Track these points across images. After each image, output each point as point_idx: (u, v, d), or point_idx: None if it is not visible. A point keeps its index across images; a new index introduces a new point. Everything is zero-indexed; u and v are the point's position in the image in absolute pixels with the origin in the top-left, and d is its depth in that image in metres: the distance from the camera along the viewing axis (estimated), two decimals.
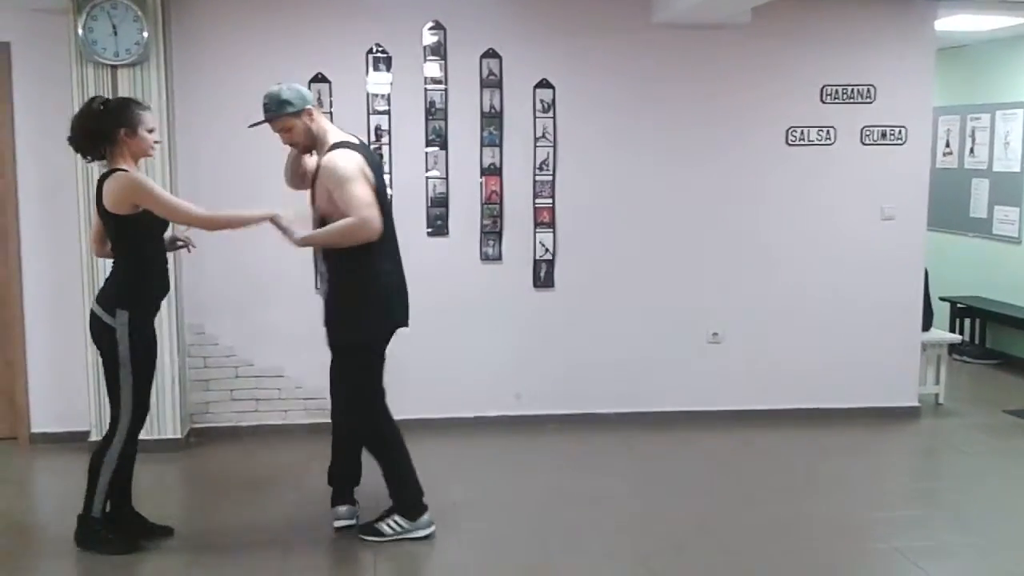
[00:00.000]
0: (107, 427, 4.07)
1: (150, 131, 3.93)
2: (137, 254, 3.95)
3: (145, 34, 5.04)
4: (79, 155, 3.96)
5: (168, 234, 4.14)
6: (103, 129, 3.84)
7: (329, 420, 4.44)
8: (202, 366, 5.58)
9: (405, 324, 4.24)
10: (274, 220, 3.93)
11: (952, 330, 7.55)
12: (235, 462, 5.24)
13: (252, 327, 5.59)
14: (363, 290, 4.04)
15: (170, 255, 4.21)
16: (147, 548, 4.09)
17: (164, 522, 4.29)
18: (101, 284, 4.18)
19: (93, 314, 3.97)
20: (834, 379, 6.00)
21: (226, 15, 5.40)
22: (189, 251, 4.28)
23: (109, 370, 3.96)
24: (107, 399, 4.06)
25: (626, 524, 4.41)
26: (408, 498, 4.21)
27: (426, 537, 4.18)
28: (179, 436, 5.38)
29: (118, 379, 3.95)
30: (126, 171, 3.86)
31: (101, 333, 3.93)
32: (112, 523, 4.08)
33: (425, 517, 4.21)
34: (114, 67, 5.09)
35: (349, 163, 3.91)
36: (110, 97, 3.99)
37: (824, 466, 5.24)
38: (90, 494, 4.02)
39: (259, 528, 4.34)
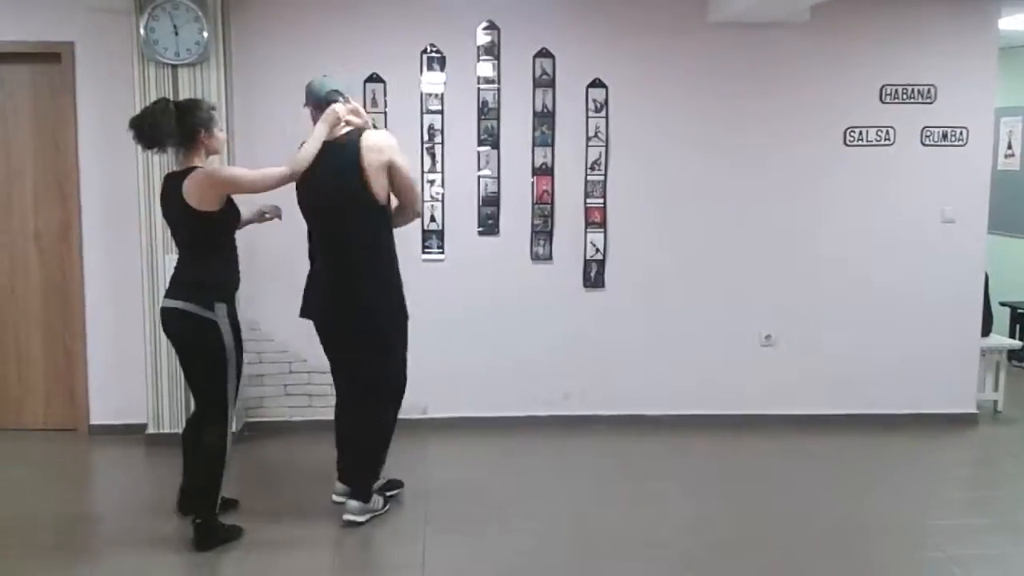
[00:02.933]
0: (204, 424, 4.14)
1: (221, 130, 4.14)
2: (223, 248, 4.09)
3: (205, 34, 5.12)
4: (143, 146, 4.03)
5: (253, 210, 4.31)
6: (187, 128, 3.96)
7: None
8: (257, 361, 5.66)
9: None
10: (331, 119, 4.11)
11: (1012, 336, 7.38)
12: (288, 456, 5.31)
13: (305, 324, 5.62)
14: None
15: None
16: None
17: (222, 514, 4.36)
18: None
19: (183, 312, 4.00)
20: (890, 384, 5.91)
21: (283, 15, 5.47)
22: (280, 219, 4.42)
23: (211, 365, 4.04)
24: (190, 394, 4.25)
25: (675, 527, 4.38)
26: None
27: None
28: (234, 430, 5.44)
29: (224, 373, 4.05)
30: (201, 167, 3.99)
31: (198, 330, 4.00)
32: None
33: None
34: (175, 67, 5.18)
35: None
36: (176, 99, 4.12)
37: (879, 472, 5.16)
38: (212, 498, 4.11)
39: (311, 521, 4.39)
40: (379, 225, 4.22)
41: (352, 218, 4.16)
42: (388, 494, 4.54)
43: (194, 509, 4.14)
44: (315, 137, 4.12)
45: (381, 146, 4.14)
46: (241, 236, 4.20)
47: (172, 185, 4.00)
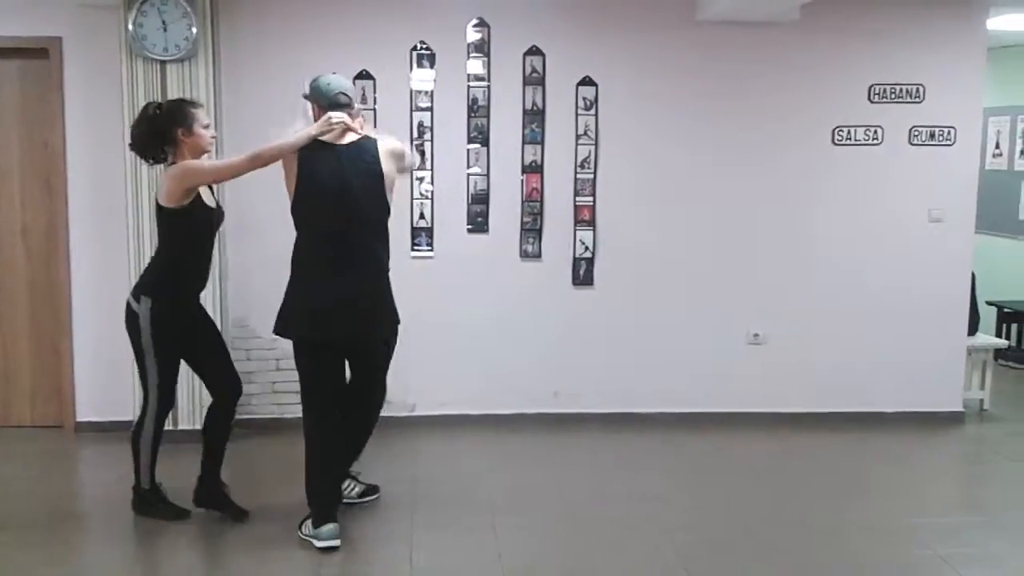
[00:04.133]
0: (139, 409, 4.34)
1: (205, 127, 4.10)
2: (174, 246, 4.12)
3: (194, 30, 5.10)
4: (143, 160, 4.16)
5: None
6: (161, 131, 4.02)
7: None
8: (245, 359, 5.64)
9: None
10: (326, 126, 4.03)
11: (999, 335, 7.42)
12: (276, 453, 5.29)
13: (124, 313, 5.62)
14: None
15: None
16: (192, 515, 4.34)
17: (201, 509, 4.36)
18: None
19: (126, 302, 4.22)
20: (877, 382, 5.93)
21: (273, 12, 5.46)
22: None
23: (135, 353, 4.23)
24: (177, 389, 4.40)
25: (665, 525, 4.38)
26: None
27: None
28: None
29: (142, 363, 4.20)
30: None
31: (127, 317, 4.19)
32: (159, 493, 4.36)
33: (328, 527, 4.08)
34: (163, 62, 5.16)
35: None
36: (162, 101, 4.15)
37: (866, 470, 5.18)
38: (136, 471, 4.34)
39: (299, 518, 4.38)
40: (388, 236, 4.19)
41: (379, 229, 4.10)
42: (365, 499, 4.56)
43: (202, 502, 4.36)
44: (301, 135, 4.03)
45: (399, 153, 4.17)
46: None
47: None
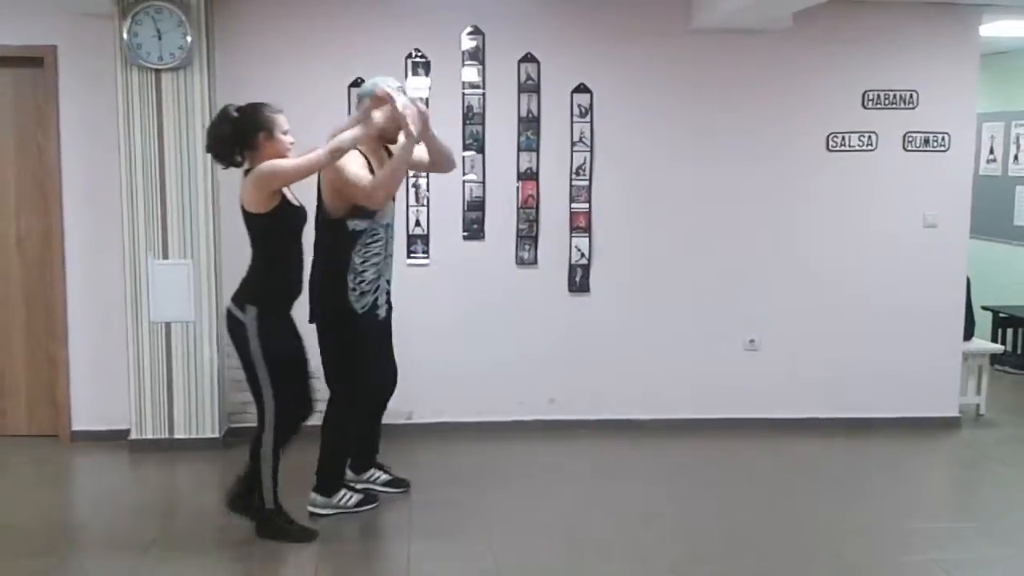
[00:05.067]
0: (256, 421, 4.18)
1: (284, 133, 4.03)
2: (272, 253, 4.06)
3: (189, 38, 5.11)
4: (219, 163, 4.07)
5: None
6: (243, 134, 3.95)
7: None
8: (240, 367, 5.62)
9: None
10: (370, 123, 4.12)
11: (994, 340, 7.43)
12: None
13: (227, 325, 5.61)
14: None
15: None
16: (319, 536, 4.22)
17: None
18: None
19: (228, 310, 4.09)
20: (873, 388, 5.94)
21: (268, 20, 5.46)
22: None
23: (244, 366, 4.09)
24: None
25: (659, 531, 4.39)
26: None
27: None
28: (217, 435, 5.45)
29: (254, 375, 4.06)
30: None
31: (232, 329, 4.07)
32: (284, 514, 4.20)
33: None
34: (158, 71, 5.17)
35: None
36: (240, 104, 4.05)
37: (861, 476, 5.18)
38: (259, 489, 4.15)
39: (299, 521, 4.37)
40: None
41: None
42: (387, 490, 4.68)
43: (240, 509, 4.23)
44: (372, 125, 4.14)
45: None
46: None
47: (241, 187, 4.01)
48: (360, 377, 4.41)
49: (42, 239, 5.53)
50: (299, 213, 4.12)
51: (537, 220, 5.72)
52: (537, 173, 5.70)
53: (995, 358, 6.90)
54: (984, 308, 7.51)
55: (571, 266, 5.78)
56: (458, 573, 4.02)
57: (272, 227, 4.01)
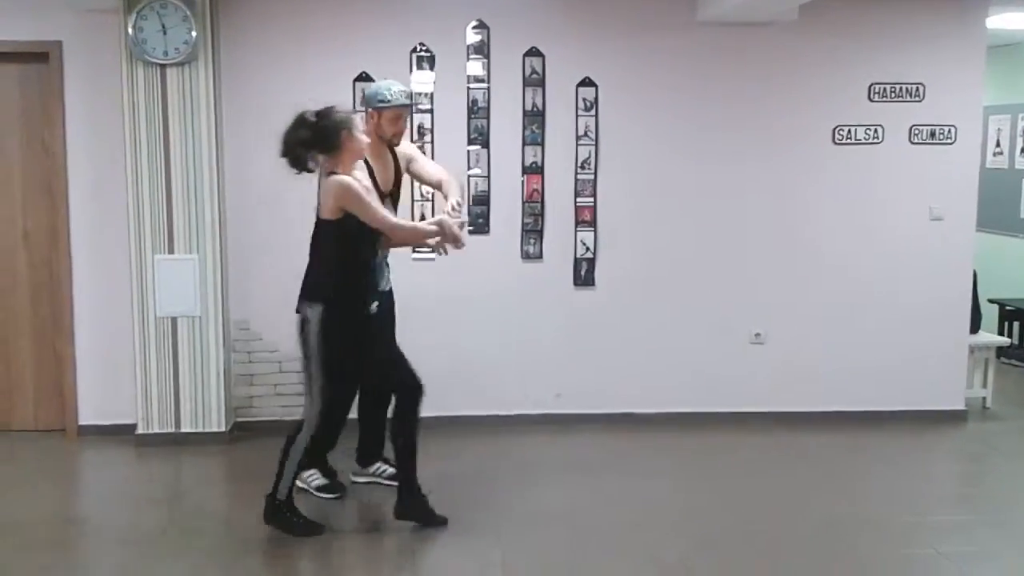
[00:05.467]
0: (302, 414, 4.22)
1: (360, 131, 4.10)
2: (334, 254, 4.09)
3: (194, 33, 5.11)
4: (295, 168, 4.05)
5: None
6: (325, 136, 3.98)
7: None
8: (247, 361, 5.65)
9: None
10: (442, 225, 4.19)
11: (1000, 333, 7.41)
12: (278, 456, 5.28)
13: (296, 323, 5.63)
14: None
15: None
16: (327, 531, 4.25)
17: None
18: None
19: (297, 308, 4.17)
20: (879, 381, 5.93)
21: (273, 15, 5.46)
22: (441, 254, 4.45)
23: (303, 358, 4.15)
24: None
25: (666, 525, 4.39)
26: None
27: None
28: (223, 430, 5.46)
29: (308, 369, 4.12)
30: (340, 176, 3.99)
31: (299, 324, 4.13)
32: (293, 506, 4.22)
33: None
34: (163, 66, 5.17)
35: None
36: (313, 109, 4.07)
37: (868, 469, 5.18)
38: (277, 478, 4.17)
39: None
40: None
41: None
42: (393, 483, 4.57)
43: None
44: (424, 229, 4.34)
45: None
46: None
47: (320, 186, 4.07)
48: (346, 369, 4.37)
49: (48, 234, 5.54)
50: (359, 225, 4.12)
51: (542, 214, 5.72)
52: (542, 167, 5.69)
53: (1001, 351, 6.88)
54: (991, 301, 7.49)
55: (576, 260, 5.78)
56: (464, 566, 4.03)
57: (336, 232, 4.05)
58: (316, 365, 4.09)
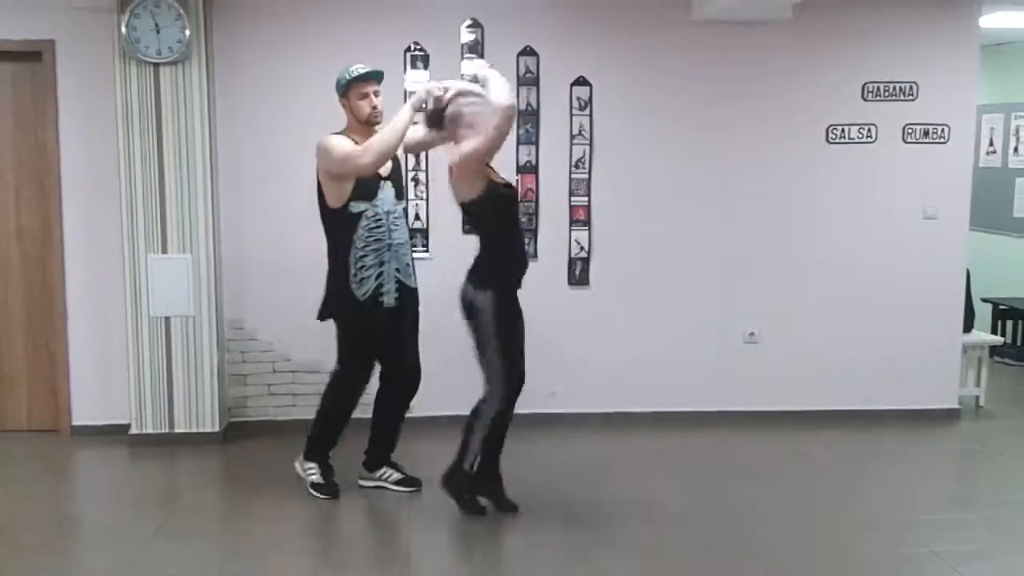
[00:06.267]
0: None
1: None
2: (496, 233, 4.25)
3: (187, 32, 5.10)
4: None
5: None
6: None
7: (363, 416, 4.63)
8: (240, 361, 5.64)
9: None
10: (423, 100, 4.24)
11: (994, 332, 7.43)
12: (272, 456, 5.28)
13: (290, 323, 5.63)
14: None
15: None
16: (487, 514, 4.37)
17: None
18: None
19: (463, 291, 4.29)
20: (873, 380, 5.94)
21: (266, 14, 5.45)
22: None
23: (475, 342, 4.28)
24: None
25: (660, 524, 4.39)
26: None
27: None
28: (217, 430, 5.45)
29: (483, 352, 4.26)
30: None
31: (467, 309, 4.25)
32: (477, 485, 4.37)
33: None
34: (156, 65, 5.16)
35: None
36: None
37: (861, 468, 5.19)
38: (463, 448, 4.34)
39: (295, 520, 4.38)
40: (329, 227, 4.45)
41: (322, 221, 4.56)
42: (399, 489, 4.67)
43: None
44: (400, 122, 4.28)
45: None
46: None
47: None
48: (358, 365, 4.46)
49: (41, 233, 5.53)
50: (513, 192, 4.28)
51: (536, 213, 5.72)
52: (536, 166, 5.69)
53: (995, 350, 6.91)
54: (984, 300, 7.51)
55: (571, 259, 5.78)
56: (458, 564, 4.03)
57: (485, 210, 4.18)
58: (493, 350, 4.21)
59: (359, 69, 4.40)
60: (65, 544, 4.23)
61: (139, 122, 5.21)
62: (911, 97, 5.82)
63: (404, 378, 4.66)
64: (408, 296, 4.54)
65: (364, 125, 4.39)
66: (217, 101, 5.41)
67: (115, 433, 5.46)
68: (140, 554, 4.03)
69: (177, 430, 5.41)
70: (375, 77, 4.40)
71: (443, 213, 5.67)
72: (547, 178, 5.70)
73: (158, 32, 5.10)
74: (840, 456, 5.38)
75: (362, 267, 4.36)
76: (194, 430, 5.42)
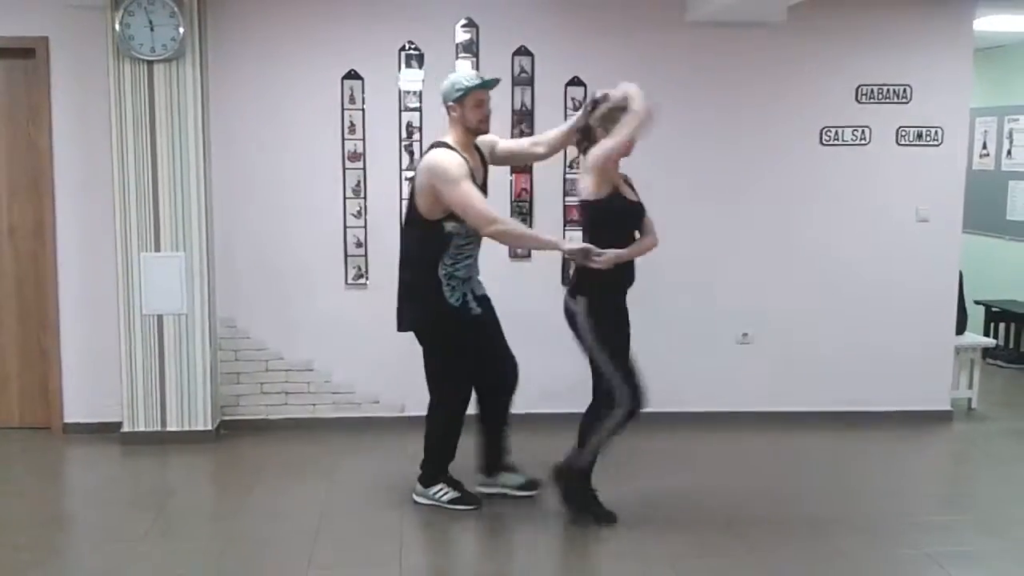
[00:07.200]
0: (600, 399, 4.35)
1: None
2: (606, 242, 4.20)
3: (181, 30, 5.09)
4: (579, 149, 4.33)
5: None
6: (585, 127, 4.23)
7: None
8: (233, 359, 5.63)
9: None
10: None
11: (986, 334, 7.45)
12: (265, 454, 5.28)
13: (283, 321, 5.63)
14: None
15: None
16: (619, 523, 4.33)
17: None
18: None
19: (566, 303, 4.35)
20: (866, 382, 5.95)
21: (260, 11, 5.44)
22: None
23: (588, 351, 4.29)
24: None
25: (653, 524, 4.39)
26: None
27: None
28: (210, 428, 5.44)
29: (594, 357, 4.27)
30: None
31: (570, 318, 4.29)
32: (588, 480, 4.39)
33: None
34: (150, 62, 5.15)
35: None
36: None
37: (854, 469, 5.19)
38: (580, 446, 4.37)
39: (288, 519, 4.38)
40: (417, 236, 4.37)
41: (406, 230, 4.51)
42: (520, 494, 4.63)
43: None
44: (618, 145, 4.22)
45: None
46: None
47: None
48: (461, 375, 4.44)
49: (34, 231, 5.51)
50: (634, 207, 4.31)
51: (531, 213, 5.72)
52: (531, 166, 5.69)
53: (987, 352, 6.91)
54: (976, 302, 7.53)
55: (565, 260, 5.77)
56: (452, 564, 4.02)
57: (603, 215, 4.20)
58: (600, 357, 4.26)
59: (477, 77, 4.36)
60: (56, 542, 4.22)
61: (132, 120, 5.20)
62: (905, 100, 5.83)
63: (504, 380, 4.63)
64: (486, 303, 4.57)
65: (468, 133, 4.35)
66: (211, 99, 5.41)
67: (107, 431, 5.45)
68: (132, 552, 4.02)
69: (169, 428, 5.40)
70: (493, 86, 4.39)
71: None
72: (541, 178, 5.70)
73: (152, 29, 5.09)
74: (832, 457, 5.38)
75: (451, 279, 4.33)
76: (186, 428, 5.41)
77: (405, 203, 4.47)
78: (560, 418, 5.75)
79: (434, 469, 4.53)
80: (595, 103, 4.24)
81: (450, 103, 4.32)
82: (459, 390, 4.47)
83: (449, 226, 4.26)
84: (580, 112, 4.39)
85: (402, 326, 4.44)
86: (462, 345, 4.41)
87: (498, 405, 4.63)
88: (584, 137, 4.27)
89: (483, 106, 4.34)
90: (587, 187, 4.18)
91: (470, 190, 4.17)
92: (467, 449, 4.61)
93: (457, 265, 4.34)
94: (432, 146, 4.33)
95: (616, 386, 4.25)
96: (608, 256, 4.13)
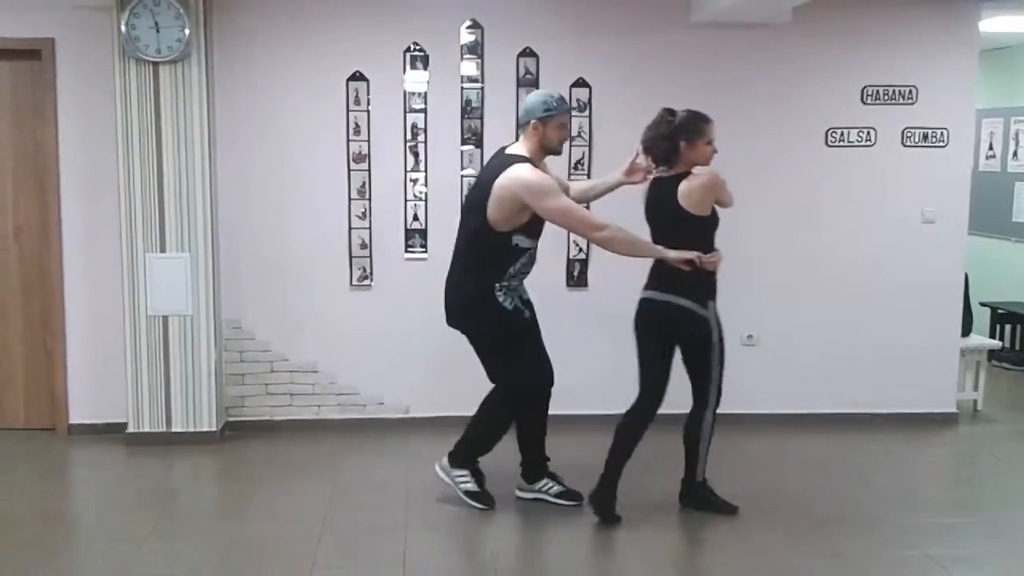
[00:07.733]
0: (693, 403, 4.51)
1: (708, 143, 4.27)
2: (703, 248, 4.31)
3: (187, 31, 5.10)
4: (656, 162, 4.38)
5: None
6: (665, 137, 4.26)
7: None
8: (238, 360, 5.64)
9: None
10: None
11: (992, 336, 7.44)
12: (270, 455, 5.29)
13: (288, 322, 5.64)
14: None
15: None
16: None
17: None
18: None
19: (677, 306, 4.34)
20: (871, 384, 5.94)
21: (266, 13, 5.45)
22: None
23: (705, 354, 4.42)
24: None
25: (656, 524, 4.39)
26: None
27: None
28: (214, 429, 5.45)
29: (708, 362, 4.42)
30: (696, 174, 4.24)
31: (694, 324, 4.34)
32: (709, 487, 4.53)
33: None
34: (156, 64, 5.16)
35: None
36: (677, 110, 4.30)
37: (858, 471, 5.18)
38: (693, 461, 4.51)
39: (292, 520, 4.38)
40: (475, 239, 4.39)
41: (464, 233, 4.54)
42: (559, 502, 4.62)
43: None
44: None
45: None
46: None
47: (663, 188, 4.29)
48: (520, 373, 4.51)
49: (40, 232, 5.53)
50: (717, 220, 4.40)
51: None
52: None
53: (993, 354, 6.91)
54: (982, 304, 7.51)
55: (569, 261, 5.78)
56: (455, 566, 4.02)
57: (701, 228, 4.32)
58: (716, 357, 4.39)
59: (563, 100, 4.39)
60: (61, 543, 4.22)
61: (138, 121, 5.21)
62: (910, 101, 5.82)
63: (547, 380, 4.68)
64: (531, 307, 4.62)
65: (543, 151, 4.40)
66: (216, 100, 5.42)
67: (112, 432, 5.46)
68: (136, 553, 4.02)
69: (174, 429, 5.41)
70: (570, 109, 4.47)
71: (442, 214, 5.67)
72: None
73: (158, 31, 5.10)
74: (837, 459, 5.37)
75: (507, 288, 4.39)
76: (191, 429, 5.42)
77: (463, 213, 4.53)
78: (559, 418, 5.77)
79: (467, 454, 4.58)
80: (671, 112, 4.30)
81: (534, 120, 4.32)
82: (530, 380, 4.59)
83: (518, 239, 4.30)
84: (638, 155, 4.51)
85: (452, 322, 4.54)
86: (514, 347, 4.49)
87: (539, 407, 4.67)
88: (667, 146, 4.30)
89: (565, 129, 4.41)
90: (693, 204, 4.25)
91: (568, 201, 4.32)
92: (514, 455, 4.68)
93: (517, 276, 4.41)
94: (509, 158, 4.32)
95: (715, 386, 4.42)
96: (717, 256, 4.31)
